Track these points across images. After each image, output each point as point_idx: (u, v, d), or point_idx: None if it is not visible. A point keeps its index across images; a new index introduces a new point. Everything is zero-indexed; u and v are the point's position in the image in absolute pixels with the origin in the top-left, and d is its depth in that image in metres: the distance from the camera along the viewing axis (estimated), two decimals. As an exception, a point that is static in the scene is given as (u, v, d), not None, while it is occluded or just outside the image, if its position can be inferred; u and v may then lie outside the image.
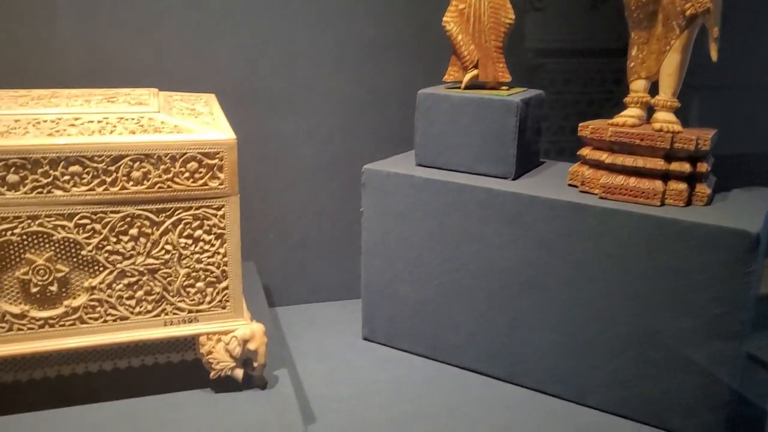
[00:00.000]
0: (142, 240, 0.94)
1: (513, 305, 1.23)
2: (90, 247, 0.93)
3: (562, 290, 1.18)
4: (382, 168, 1.32)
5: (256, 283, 1.41)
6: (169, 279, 0.97)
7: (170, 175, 0.93)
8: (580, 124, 1.22)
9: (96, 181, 0.91)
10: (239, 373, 1.01)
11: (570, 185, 1.24)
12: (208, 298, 0.99)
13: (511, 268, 1.22)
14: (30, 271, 0.91)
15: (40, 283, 0.92)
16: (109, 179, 0.91)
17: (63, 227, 0.91)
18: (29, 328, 0.93)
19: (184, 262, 0.97)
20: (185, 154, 0.93)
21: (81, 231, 0.92)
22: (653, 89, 1.19)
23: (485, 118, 1.26)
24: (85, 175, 0.90)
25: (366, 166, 1.33)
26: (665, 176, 1.13)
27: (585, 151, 1.23)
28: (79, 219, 0.91)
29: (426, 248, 1.29)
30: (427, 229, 1.29)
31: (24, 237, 0.90)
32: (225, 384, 1.01)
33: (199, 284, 0.98)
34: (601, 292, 1.14)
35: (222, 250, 0.98)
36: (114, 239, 0.93)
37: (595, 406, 1.20)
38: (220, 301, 1.00)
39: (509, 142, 1.26)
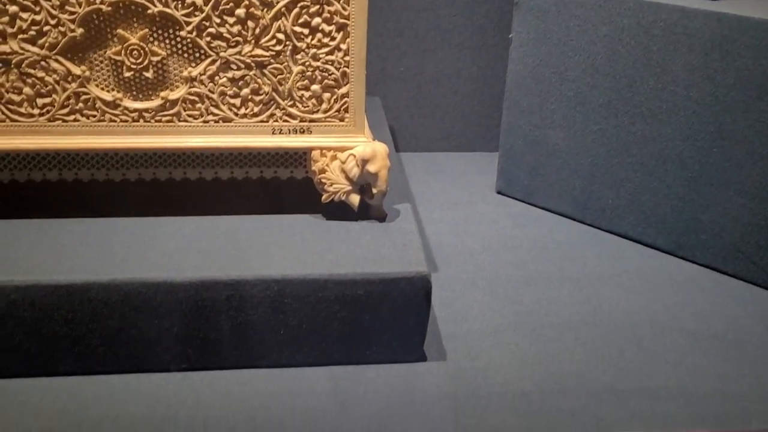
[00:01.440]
0: (250, 24, 0.78)
1: (696, 160, 0.98)
2: (190, 28, 0.77)
3: (770, 141, 0.92)
4: (542, -17, 1.07)
5: (381, 121, 1.23)
6: (280, 77, 0.80)
7: (286, -60, 0.75)
8: None
9: (198, -59, 0.74)
10: (355, 199, 0.85)
11: (796, 8, 0.94)
12: (324, 106, 0.82)
13: (701, 112, 0.96)
14: (123, 51, 0.77)
15: (133, 66, 0.78)
16: (213, -60, 0.74)
17: (159, -1, 0.76)
18: (122, 120, 0.80)
19: (299, 57, 0.80)
20: None
21: (180, 5, 0.76)
22: None
23: None
24: (185, -68, 0.74)
25: (522, -20, 1.09)
26: None
27: (827, -40, 0.91)
28: (178, -11, 0.76)
29: (588, 84, 1.05)
30: (591, 60, 1.04)
31: (115, 7, 0.76)
32: (338, 210, 0.86)
33: (315, 87, 0.81)
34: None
35: (344, 46, 0.80)
36: (217, 20, 0.77)
37: (789, 292, 0.96)
38: (338, 110, 0.83)
39: (718, -53, 0.96)
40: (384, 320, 0.79)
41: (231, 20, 0.77)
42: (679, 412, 0.76)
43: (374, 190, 0.84)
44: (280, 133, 0.83)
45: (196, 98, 0.80)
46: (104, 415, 0.73)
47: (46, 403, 0.74)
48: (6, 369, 0.76)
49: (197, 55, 0.79)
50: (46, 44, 0.76)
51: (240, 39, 0.78)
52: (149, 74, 0.79)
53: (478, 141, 1.38)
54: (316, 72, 0.81)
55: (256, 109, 0.82)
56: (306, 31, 0.79)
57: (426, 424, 0.74)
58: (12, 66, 0.76)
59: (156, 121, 0.81)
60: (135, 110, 0.80)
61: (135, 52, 0.78)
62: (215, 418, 0.73)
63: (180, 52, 0.79)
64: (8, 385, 0.76)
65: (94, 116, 0.80)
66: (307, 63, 0.80)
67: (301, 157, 0.85)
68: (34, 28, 0.75)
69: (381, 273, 0.77)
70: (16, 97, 0.78)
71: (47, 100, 0.79)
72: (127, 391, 0.76)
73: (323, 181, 0.84)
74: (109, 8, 0.75)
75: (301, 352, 0.80)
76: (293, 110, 0.82)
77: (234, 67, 0.79)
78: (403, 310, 0.79)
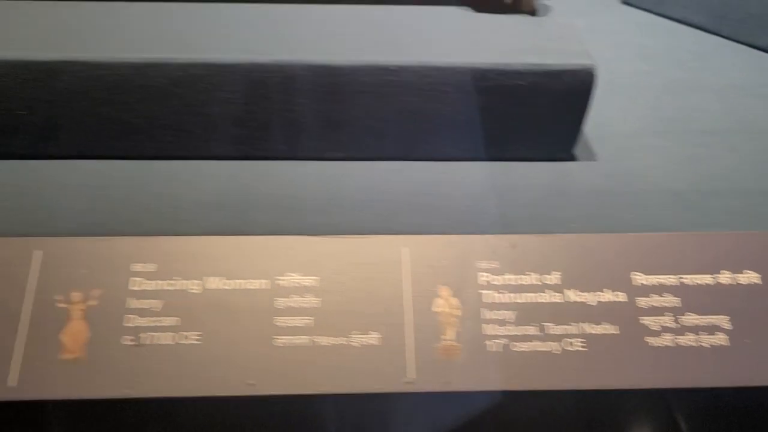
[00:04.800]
0: None
1: None
2: None
3: None
4: None
5: None
6: None
7: None
8: None
9: None
10: (508, -11, 0.80)
11: None
12: None
13: None
14: None
15: None
16: None
17: None
18: None
19: None
20: None
21: None
22: None
23: None
24: None
25: None
26: None
27: None
28: None
29: None
30: None
31: None
32: (485, 2, 0.82)
33: None
34: None
35: None
36: None
37: None
38: None
39: None
40: (540, 115, 0.77)
41: None
42: (839, 215, 0.75)
43: (529, -21, 0.79)
44: None
45: None
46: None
47: (91, 182, 0.74)
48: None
49: None
50: None
51: None
52: None
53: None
54: None
55: None
56: None
57: (581, 216, 0.74)
58: None
59: None
60: None
61: None
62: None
63: None
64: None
65: None
66: None
67: (455, -61, 0.79)
68: None
69: (545, 64, 0.74)
70: None
71: None
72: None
73: (477, -34, 0.79)
74: None
75: (455, 146, 0.79)
76: None
77: None
78: (562, 105, 0.76)
